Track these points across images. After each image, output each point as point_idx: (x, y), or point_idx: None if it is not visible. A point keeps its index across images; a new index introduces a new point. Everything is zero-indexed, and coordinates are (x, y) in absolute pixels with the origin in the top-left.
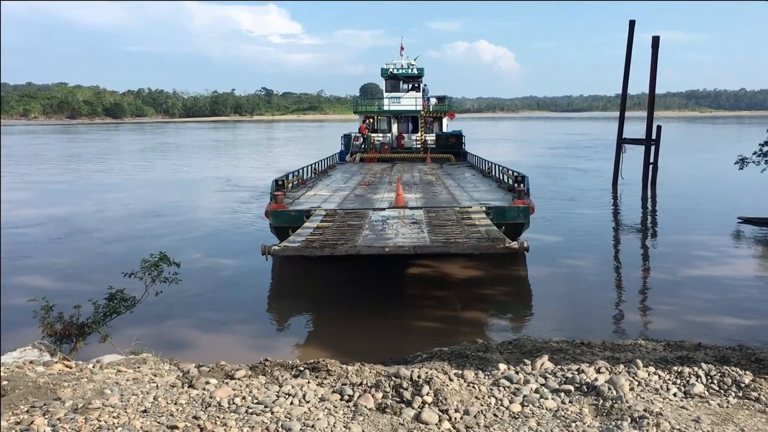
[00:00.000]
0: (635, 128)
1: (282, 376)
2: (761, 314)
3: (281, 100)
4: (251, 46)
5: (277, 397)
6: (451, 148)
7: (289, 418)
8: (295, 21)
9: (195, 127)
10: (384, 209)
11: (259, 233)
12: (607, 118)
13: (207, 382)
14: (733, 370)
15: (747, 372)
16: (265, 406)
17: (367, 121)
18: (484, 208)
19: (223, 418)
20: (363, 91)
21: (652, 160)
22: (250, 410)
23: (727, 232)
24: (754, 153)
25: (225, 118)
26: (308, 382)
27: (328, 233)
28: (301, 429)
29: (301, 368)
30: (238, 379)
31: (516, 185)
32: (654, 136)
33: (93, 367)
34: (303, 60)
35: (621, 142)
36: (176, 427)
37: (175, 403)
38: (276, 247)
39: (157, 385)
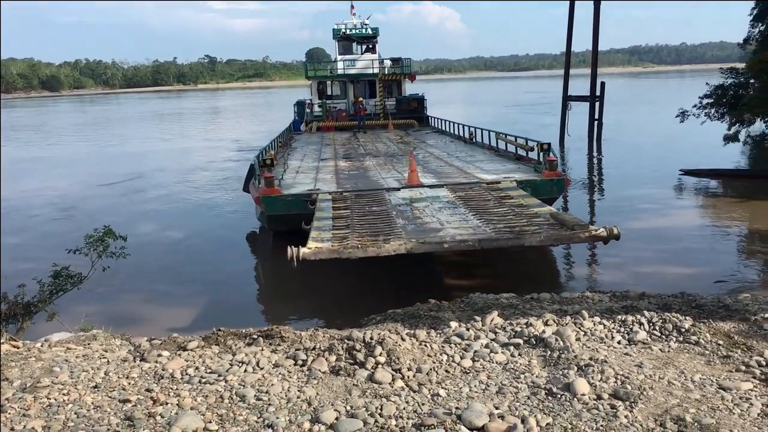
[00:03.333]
0: (582, 85)
1: (235, 345)
2: (702, 262)
3: (225, 67)
4: (191, 12)
5: (231, 365)
6: (413, 113)
7: (243, 385)
8: None
9: (139, 97)
10: (398, 189)
11: (212, 196)
12: (553, 77)
13: (159, 355)
14: (674, 317)
15: (687, 317)
16: (219, 375)
17: (320, 86)
18: (514, 183)
19: (176, 389)
20: (309, 56)
21: (597, 116)
22: (203, 380)
23: (670, 185)
24: (694, 106)
25: (168, 87)
26: (262, 350)
27: (356, 225)
28: (255, 395)
29: (255, 336)
30: (191, 350)
31: (545, 154)
32: (598, 93)
33: (41, 346)
34: (247, 26)
35: (566, 99)
36: (128, 401)
37: (127, 377)
38: (306, 250)
39: (108, 361)
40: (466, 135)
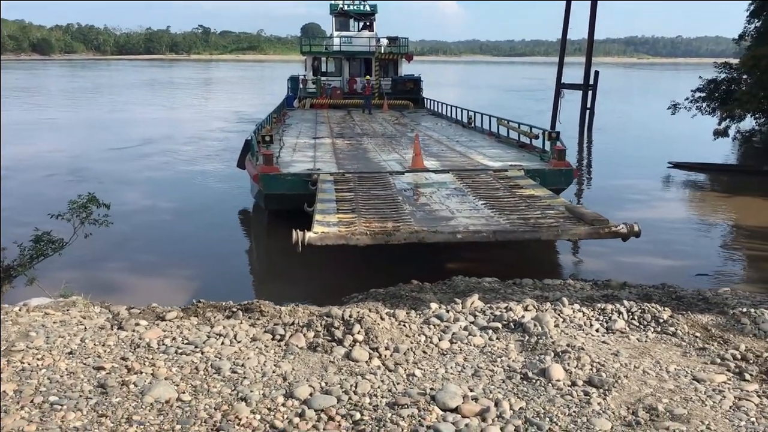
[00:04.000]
0: (576, 73)
1: (214, 317)
2: (685, 255)
3: (219, 39)
4: None
5: (208, 337)
6: (409, 94)
7: (219, 358)
8: None
9: (132, 65)
10: (402, 173)
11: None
12: (548, 63)
13: (137, 324)
14: (653, 307)
15: (666, 308)
16: (195, 347)
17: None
18: (522, 172)
19: (152, 358)
20: (304, 31)
21: (589, 105)
22: (179, 350)
23: (658, 176)
24: (686, 99)
25: (161, 56)
26: (240, 323)
27: (362, 210)
28: (230, 368)
29: (234, 309)
30: (169, 320)
31: (552, 143)
32: (591, 82)
33: (19, 310)
34: None
35: (559, 87)
36: (103, 368)
37: (103, 345)
38: (313, 235)
39: (85, 328)
40: (465, 119)
